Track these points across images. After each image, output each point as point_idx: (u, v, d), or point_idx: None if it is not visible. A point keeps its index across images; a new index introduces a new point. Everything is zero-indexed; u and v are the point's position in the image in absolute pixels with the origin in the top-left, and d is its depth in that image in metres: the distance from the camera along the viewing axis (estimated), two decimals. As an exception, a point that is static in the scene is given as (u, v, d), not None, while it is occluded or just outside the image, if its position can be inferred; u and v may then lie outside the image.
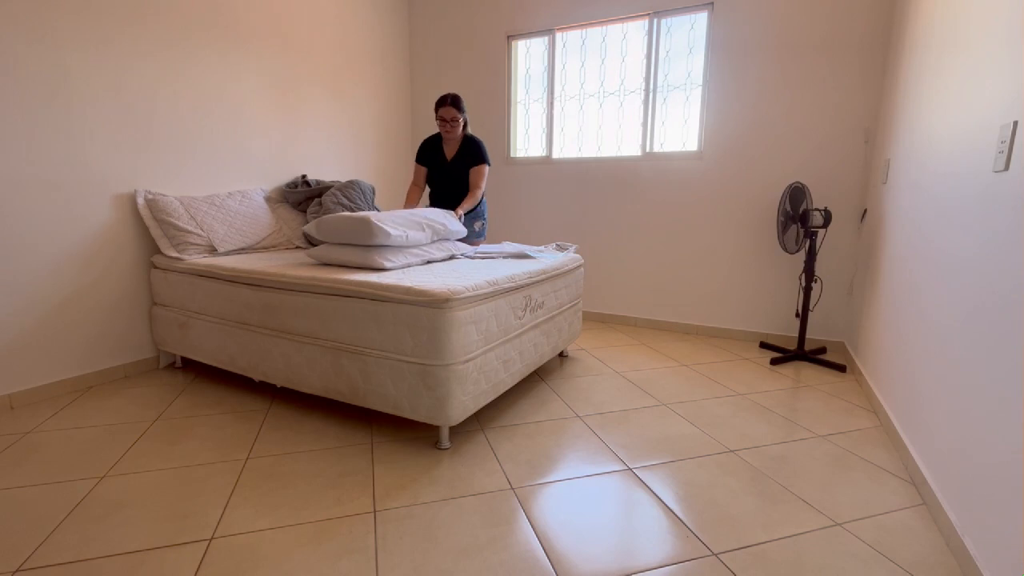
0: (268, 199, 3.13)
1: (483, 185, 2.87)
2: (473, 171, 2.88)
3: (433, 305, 1.74)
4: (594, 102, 3.74)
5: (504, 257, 2.54)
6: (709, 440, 1.97)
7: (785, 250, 2.90)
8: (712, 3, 3.19)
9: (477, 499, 1.57)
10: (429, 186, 3.07)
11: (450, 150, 2.92)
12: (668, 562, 1.31)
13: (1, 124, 2.09)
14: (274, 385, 2.46)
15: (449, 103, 2.75)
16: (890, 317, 2.15)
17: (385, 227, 2.09)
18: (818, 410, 2.25)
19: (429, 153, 2.98)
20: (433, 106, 4.28)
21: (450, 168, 2.93)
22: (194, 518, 1.47)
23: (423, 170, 3.02)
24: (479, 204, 3.00)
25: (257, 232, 2.82)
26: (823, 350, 3.05)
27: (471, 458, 1.82)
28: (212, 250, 2.60)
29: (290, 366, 2.13)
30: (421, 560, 1.31)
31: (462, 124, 2.83)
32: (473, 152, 2.88)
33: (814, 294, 3.14)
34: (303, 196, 3.18)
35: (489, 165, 2.91)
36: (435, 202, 3.07)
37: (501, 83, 3.98)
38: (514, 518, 1.49)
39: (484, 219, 3.07)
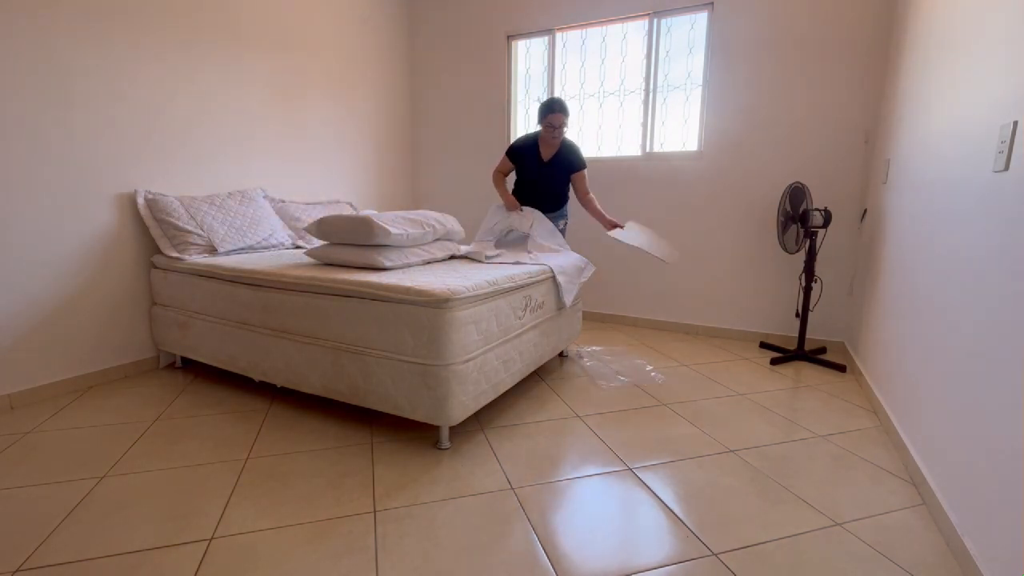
0: (268, 199, 3.13)
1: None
2: (577, 178, 2.89)
3: (433, 305, 1.74)
4: (594, 102, 3.74)
5: (502, 261, 2.53)
6: (709, 440, 1.97)
7: (785, 250, 2.90)
8: (712, 3, 3.19)
9: (477, 499, 1.57)
10: (517, 184, 3.01)
11: (547, 152, 2.87)
12: (668, 562, 1.31)
13: (2, 124, 2.09)
14: (274, 385, 2.46)
15: (558, 109, 2.69)
16: (890, 317, 2.15)
17: (386, 226, 2.09)
18: (818, 410, 2.25)
19: (522, 152, 2.90)
20: (433, 107, 4.30)
21: (546, 169, 2.89)
22: (194, 518, 1.47)
23: (510, 164, 2.96)
24: (564, 206, 3.03)
25: (257, 232, 2.82)
26: (823, 350, 3.05)
27: (471, 458, 1.82)
28: (212, 250, 2.60)
29: (290, 366, 2.13)
30: (421, 560, 1.31)
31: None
32: (571, 156, 2.86)
33: (814, 294, 3.14)
34: None
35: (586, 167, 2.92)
36: (523, 201, 2.99)
37: (501, 83, 3.98)
38: (514, 518, 1.49)
39: (567, 218, 3.10)
